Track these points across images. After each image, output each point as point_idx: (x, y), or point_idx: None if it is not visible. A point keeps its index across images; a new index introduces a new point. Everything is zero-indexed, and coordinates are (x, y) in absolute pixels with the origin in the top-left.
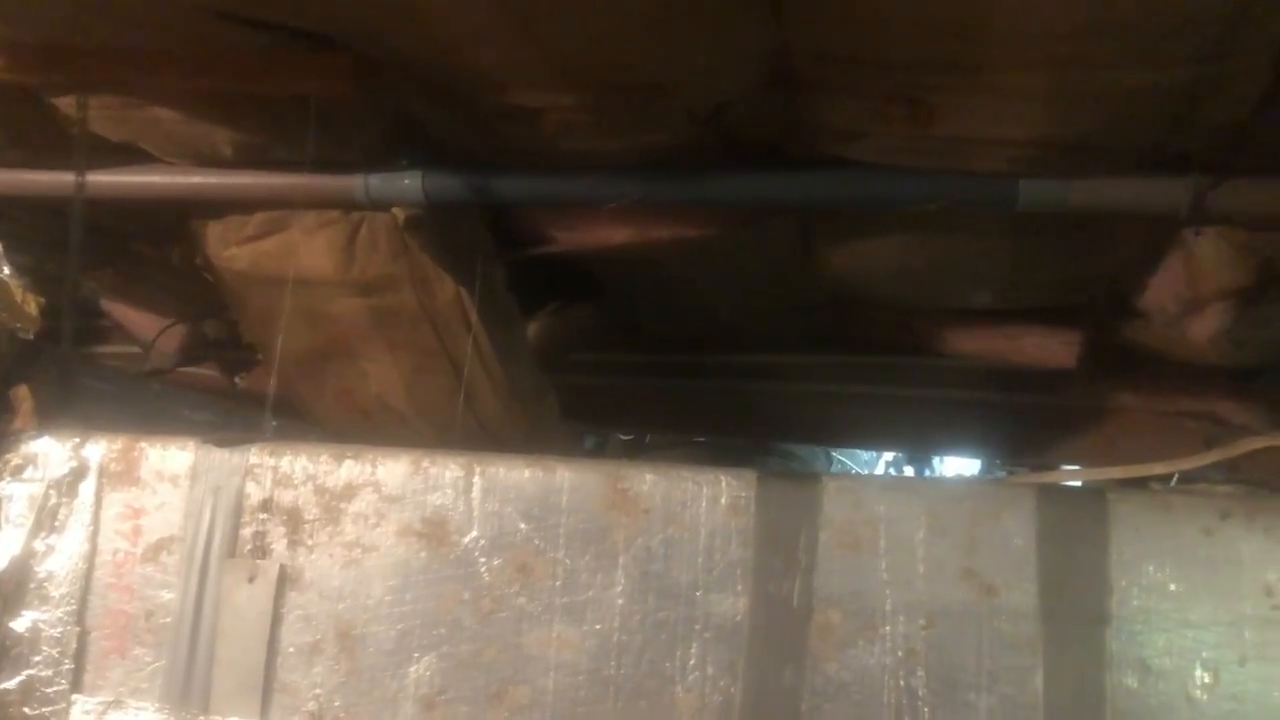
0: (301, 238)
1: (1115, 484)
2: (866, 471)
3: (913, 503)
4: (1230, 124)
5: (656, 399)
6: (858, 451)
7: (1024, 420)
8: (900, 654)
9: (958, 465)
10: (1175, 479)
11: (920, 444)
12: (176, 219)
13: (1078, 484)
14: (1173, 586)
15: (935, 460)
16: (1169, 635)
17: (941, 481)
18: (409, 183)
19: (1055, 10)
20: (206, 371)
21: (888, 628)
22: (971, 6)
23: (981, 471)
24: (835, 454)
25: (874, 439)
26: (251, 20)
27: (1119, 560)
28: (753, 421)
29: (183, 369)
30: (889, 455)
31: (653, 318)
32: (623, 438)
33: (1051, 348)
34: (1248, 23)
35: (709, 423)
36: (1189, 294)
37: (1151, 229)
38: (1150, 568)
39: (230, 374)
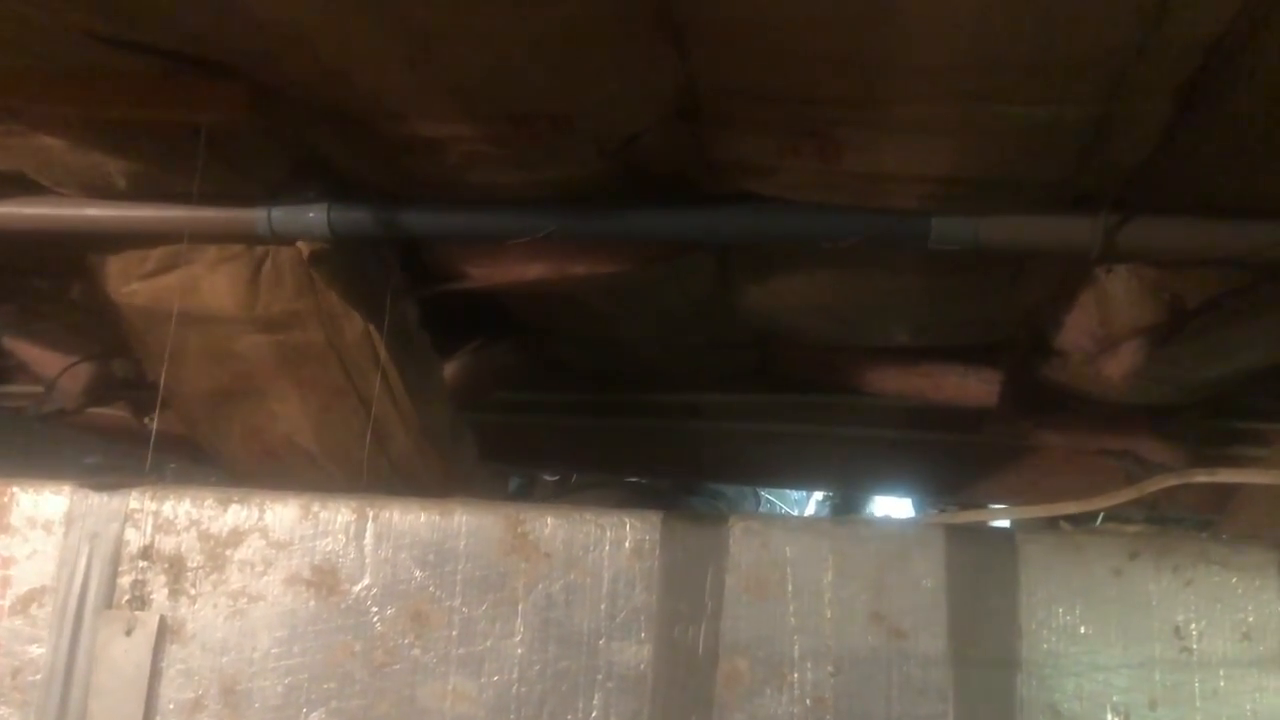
0: (203, 273)
1: (1026, 524)
2: (796, 511)
3: (820, 545)
4: (1136, 161)
5: (582, 438)
6: (787, 491)
7: (947, 459)
8: (809, 702)
9: (890, 504)
10: (1101, 518)
11: (846, 482)
12: (74, 253)
13: (988, 525)
14: (1083, 629)
15: (867, 499)
16: (1079, 679)
17: (849, 523)
18: (314, 216)
19: (958, 45)
20: (115, 412)
21: (795, 675)
22: (874, 41)
23: (915, 510)
24: (764, 493)
25: (800, 478)
26: (138, 45)
27: (1029, 602)
28: (679, 461)
29: (89, 409)
30: (820, 495)
31: (575, 356)
32: (549, 478)
33: (971, 386)
34: (1147, 60)
35: (635, 462)
36: (1102, 332)
37: (1065, 267)
38: (1060, 610)
39: (139, 415)
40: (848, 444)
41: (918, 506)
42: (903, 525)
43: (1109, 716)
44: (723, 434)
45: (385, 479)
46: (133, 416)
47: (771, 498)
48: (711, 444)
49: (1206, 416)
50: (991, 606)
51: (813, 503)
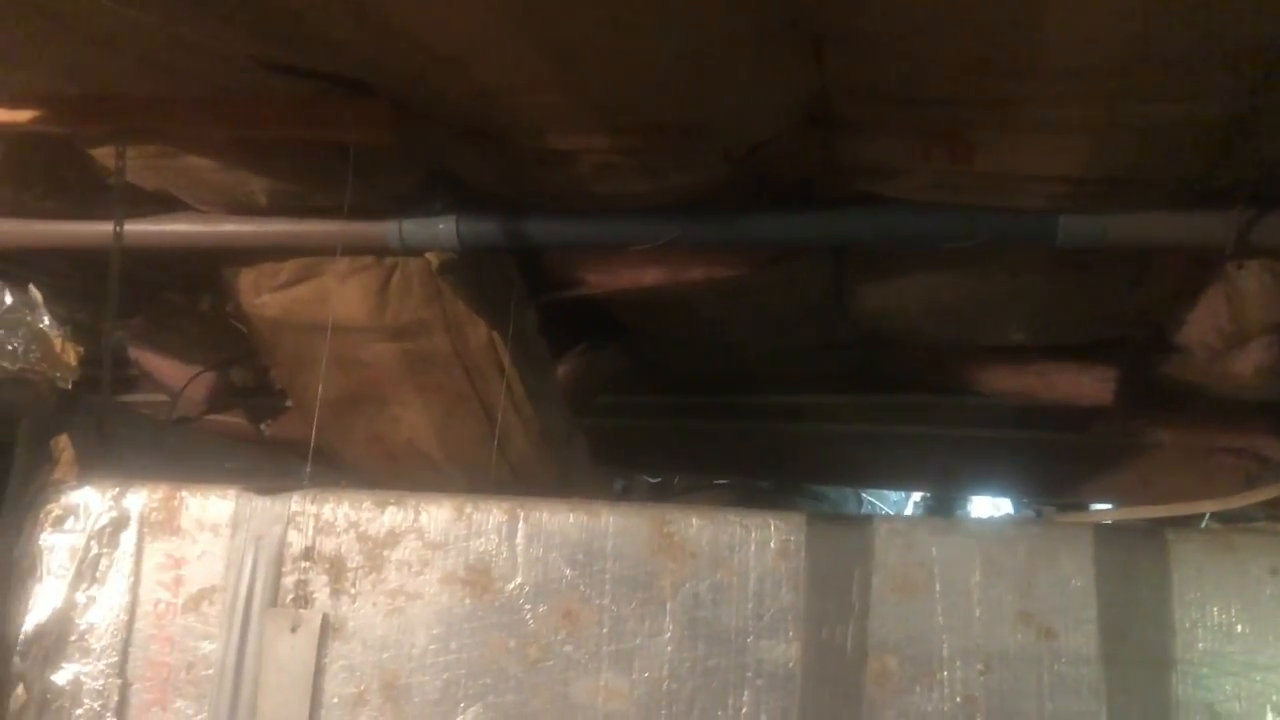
0: (334, 284)
1: (1169, 523)
2: (895, 512)
3: (967, 545)
4: (1277, 156)
5: (684, 441)
6: (886, 492)
7: (1055, 458)
8: (959, 700)
9: (986, 505)
10: (1206, 518)
11: (951, 483)
12: (208, 267)
13: (1135, 524)
14: (1239, 628)
15: (963, 499)
16: (1237, 679)
17: (995, 522)
18: (443, 228)
19: (1103, 44)
20: (232, 419)
21: (945, 673)
22: (1017, 43)
23: (1013, 510)
24: (865, 495)
25: (904, 479)
26: (294, 68)
27: (1182, 601)
28: (782, 463)
29: (208, 417)
30: (918, 496)
31: (680, 359)
32: (650, 480)
33: (1085, 384)
34: None
35: (738, 465)
36: (1232, 328)
37: (1190, 262)
38: (1215, 609)
39: (256, 421)
40: (952, 444)
41: (1016, 506)
42: (1050, 526)
43: (1269, 717)
44: (825, 436)
45: (505, 481)
46: (249, 423)
47: (872, 499)
48: (814, 446)
49: None
50: (1143, 606)
51: (911, 504)
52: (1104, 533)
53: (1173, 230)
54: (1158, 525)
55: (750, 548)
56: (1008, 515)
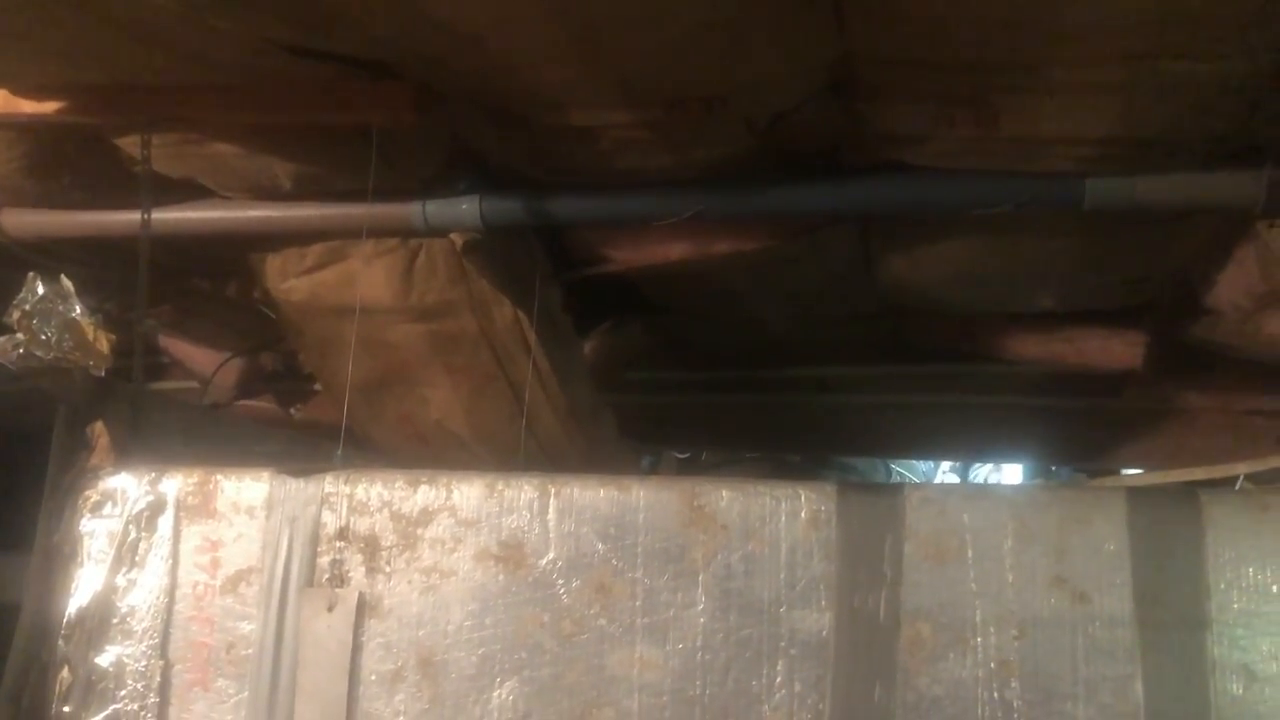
0: (360, 267)
1: (1203, 485)
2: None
3: (999, 511)
4: None
5: (712, 416)
6: (915, 463)
7: (1086, 424)
8: (993, 665)
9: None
10: (1240, 480)
11: (980, 452)
12: (235, 253)
13: (1169, 487)
14: (1275, 588)
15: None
16: (1273, 639)
17: (1027, 488)
18: (467, 208)
19: (1127, 3)
20: (263, 404)
21: (979, 639)
22: (1039, 3)
23: (1025, 476)
24: (893, 466)
25: (933, 448)
26: (316, 52)
27: (1216, 563)
28: (810, 435)
29: (239, 402)
30: (946, 464)
31: (706, 334)
32: (678, 456)
33: (1114, 349)
34: None
35: (766, 439)
36: (1263, 287)
37: (1220, 223)
38: (1250, 570)
39: (286, 405)
40: (982, 413)
41: (1027, 473)
42: (1082, 490)
43: None
44: (853, 407)
45: (534, 459)
46: (279, 407)
47: (901, 470)
48: (842, 417)
49: None
50: (1177, 568)
51: (940, 474)
52: (1137, 496)
53: (1203, 190)
54: (1191, 488)
55: (781, 518)
56: (1036, 480)
